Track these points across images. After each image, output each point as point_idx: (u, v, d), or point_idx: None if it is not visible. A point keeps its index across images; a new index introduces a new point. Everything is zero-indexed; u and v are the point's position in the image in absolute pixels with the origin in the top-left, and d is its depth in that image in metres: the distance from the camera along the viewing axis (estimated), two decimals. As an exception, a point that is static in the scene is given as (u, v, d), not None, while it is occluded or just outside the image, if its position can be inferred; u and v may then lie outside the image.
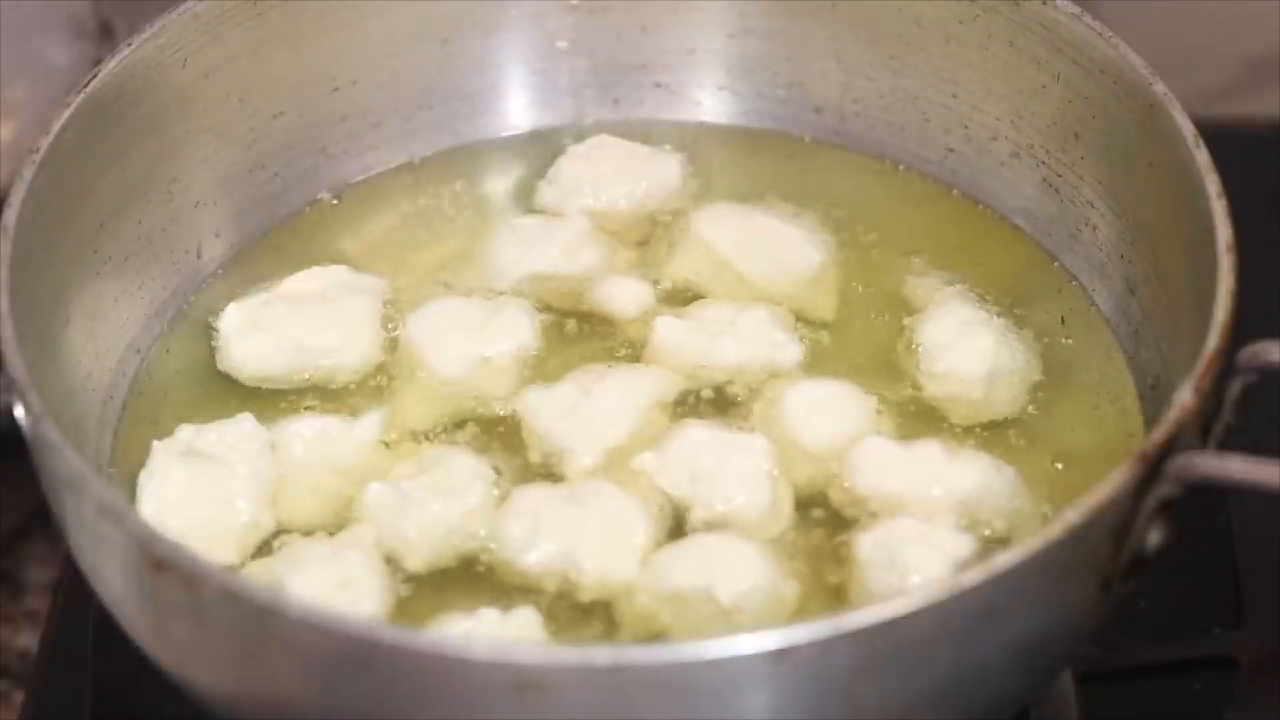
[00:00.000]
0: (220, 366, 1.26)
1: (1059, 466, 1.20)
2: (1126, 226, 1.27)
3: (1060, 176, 1.31)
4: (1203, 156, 1.17)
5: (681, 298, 1.30)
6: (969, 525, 1.15)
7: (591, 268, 1.31)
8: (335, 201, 1.38)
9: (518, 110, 1.42)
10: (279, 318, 1.26)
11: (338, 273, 1.30)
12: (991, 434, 1.22)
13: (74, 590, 1.25)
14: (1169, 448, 1.05)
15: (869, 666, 1.00)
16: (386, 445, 1.22)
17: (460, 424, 1.23)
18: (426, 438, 1.22)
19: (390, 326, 1.28)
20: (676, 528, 1.17)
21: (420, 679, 1.00)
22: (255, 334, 1.26)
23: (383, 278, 1.31)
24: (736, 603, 1.11)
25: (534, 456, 1.21)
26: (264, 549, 1.17)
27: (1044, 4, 1.28)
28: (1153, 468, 1.04)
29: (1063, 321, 1.28)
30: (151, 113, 1.28)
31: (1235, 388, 1.09)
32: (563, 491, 1.17)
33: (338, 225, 1.36)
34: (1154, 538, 1.06)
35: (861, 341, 1.27)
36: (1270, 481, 1.03)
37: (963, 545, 1.13)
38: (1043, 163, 1.32)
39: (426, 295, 1.30)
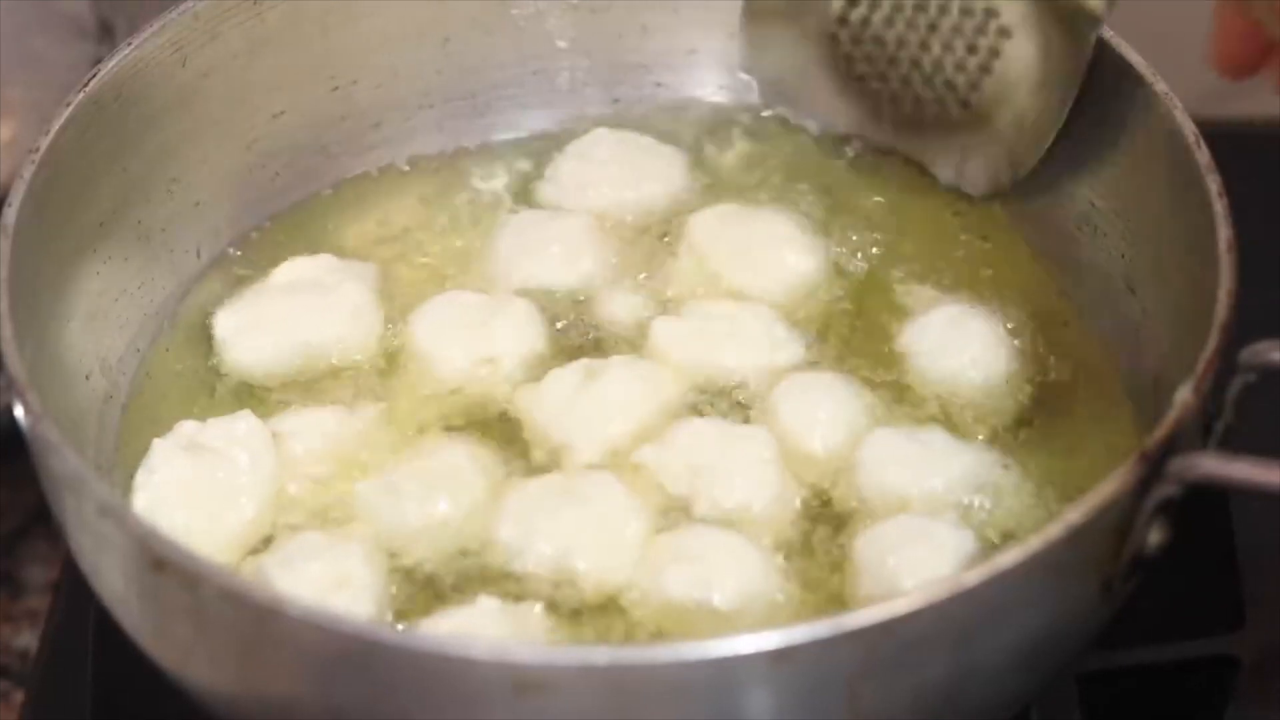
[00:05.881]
0: (220, 364, 1.26)
1: (1059, 467, 1.20)
2: (1126, 226, 1.27)
3: (1060, 176, 1.31)
4: (1203, 156, 1.18)
5: (680, 298, 1.30)
6: (970, 523, 1.15)
7: (591, 266, 1.31)
8: (336, 201, 1.38)
9: (518, 110, 1.42)
10: (277, 314, 1.26)
11: (327, 261, 1.30)
12: (991, 435, 1.22)
13: (74, 590, 1.25)
14: (1169, 447, 1.05)
15: (869, 666, 1.00)
16: (387, 441, 1.22)
17: (461, 420, 1.23)
18: (426, 434, 1.22)
19: (391, 323, 1.28)
20: (677, 524, 1.17)
21: (420, 679, 1.00)
22: (254, 332, 1.26)
23: (379, 270, 1.31)
24: (736, 607, 1.11)
25: (535, 453, 1.21)
26: (263, 545, 1.17)
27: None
28: (1153, 468, 1.04)
29: (1062, 323, 1.28)
30: (151, 112, 1.28)
31: (1235, 388, 1.09)
32: (560, 485, 1.17)
33: (338, 224, 1.36)
34: (1154, 538, 1.06)
35: (860, 343, 1.27)
36: (1271, 482, 1.03)
37: (964, 544, 1.13)
38: (1042, 162, 1.32)
39: (428, 294, 1.30)
